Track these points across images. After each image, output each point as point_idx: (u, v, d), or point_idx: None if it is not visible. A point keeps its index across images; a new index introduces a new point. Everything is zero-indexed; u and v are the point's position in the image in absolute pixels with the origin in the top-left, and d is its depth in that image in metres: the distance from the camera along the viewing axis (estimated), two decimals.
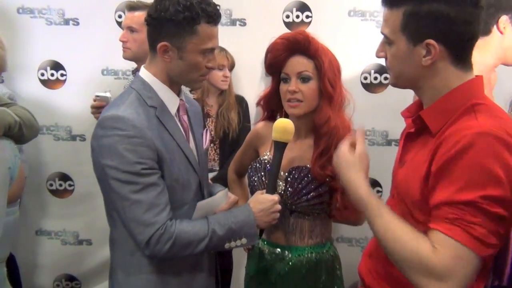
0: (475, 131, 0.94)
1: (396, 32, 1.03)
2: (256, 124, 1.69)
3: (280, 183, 1.52)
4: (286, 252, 1.55)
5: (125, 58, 2.15)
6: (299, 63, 1.47)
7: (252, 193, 1.53)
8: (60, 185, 2.61)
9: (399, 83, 1.12)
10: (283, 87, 1.50)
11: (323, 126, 1.47)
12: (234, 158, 1.82)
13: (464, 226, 0.91)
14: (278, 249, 1.57)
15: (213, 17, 1.22)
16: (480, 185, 0.91)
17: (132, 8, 2.10)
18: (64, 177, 2.60)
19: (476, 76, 1.07)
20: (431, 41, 1.00)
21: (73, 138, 2.56)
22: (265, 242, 1.61)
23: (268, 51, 1.52)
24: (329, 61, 1.46)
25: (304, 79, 1.46)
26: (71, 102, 2.51)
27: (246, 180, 1.81)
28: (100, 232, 2.43)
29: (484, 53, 1.77)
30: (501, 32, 1.77)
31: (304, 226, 1.54)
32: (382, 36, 1.10)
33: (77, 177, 2.59)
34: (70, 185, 2.61)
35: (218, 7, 1.24)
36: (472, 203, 0.91)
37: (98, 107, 2.04)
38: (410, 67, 1.05)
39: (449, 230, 0.92)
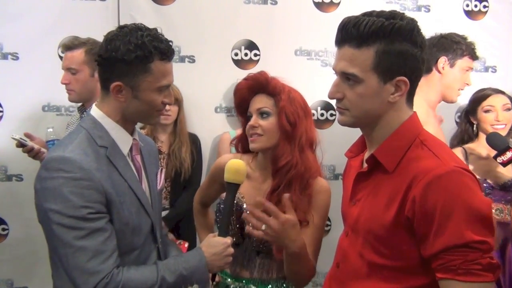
0: (442, 171, 0.98)
1: (367, 70, 1.03)
2: (220, 158, 1.70)
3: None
4: (252, 286, 1.52)
5: (71, 100, 2.05)
6: (259, 101, 1.52)
7: None
8: None
9: (358, 122, 1.11)
10: (247, 125, 1.54)
11: (277, 161, 1.49)
12: (199, 188, 1.79)
13: (472, 266, 0.95)
14: (244, 281, 1.54)
15: (166, 54, 1.19)
16: (470, 226, 0.95)
17: (68, 48, 2.01)
18: None
19: (413, 111, 1.14)
20: (403, 78, 1.04)
21: (9, 178, 2.35)
22: (231, 278, 1.57)
23: (235, 92, 1.60)
24: (289, 99, 1.50)
25: (263, 114, 1.50)
26: (7, 140, 2.31)
27: (211, 209, 1.79)
28: (38, 278, 2.27)
29: (428, 90, 1.91)
30: (439, 72, 1.93)
31: (272, 265, 1.53)
32: (327, 75, 1.11)
33: (12, 221, 2.37)
34: (4, 229, 2.39)
35: (170, 43, 1.23)
36: (466, 244, 0.95)
37: (28, 150, 1.93)
38: (376, 105, 1.06)
39: (462, 275, 0.95)
